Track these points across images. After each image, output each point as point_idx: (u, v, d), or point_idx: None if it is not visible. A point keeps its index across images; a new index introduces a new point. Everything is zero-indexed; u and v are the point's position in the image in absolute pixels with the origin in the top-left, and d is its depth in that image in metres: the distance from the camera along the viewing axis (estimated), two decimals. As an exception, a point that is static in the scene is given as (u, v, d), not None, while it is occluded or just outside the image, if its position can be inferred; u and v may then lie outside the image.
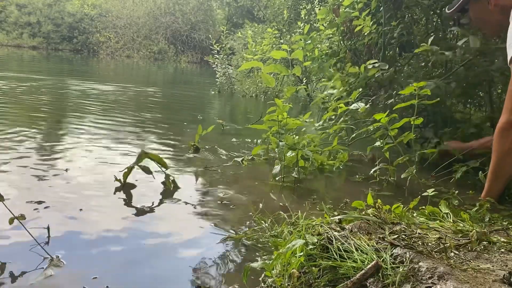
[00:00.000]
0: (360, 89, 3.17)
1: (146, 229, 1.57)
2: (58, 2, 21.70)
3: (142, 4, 22.41)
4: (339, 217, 1.38)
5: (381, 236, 1.17)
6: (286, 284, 1.08)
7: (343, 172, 2.60)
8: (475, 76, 2.75)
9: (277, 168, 2.30)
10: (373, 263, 0.98)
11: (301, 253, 1.11)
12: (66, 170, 2.16)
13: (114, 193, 1.91)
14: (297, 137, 2.42)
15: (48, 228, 1.41)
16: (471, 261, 1.02)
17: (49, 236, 1.39)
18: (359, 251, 1.06)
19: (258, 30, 11.36)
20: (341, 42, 4.18)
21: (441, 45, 2.69)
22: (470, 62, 2.67)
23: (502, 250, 1.15)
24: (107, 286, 1.14)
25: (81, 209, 1.67)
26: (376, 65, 3.01)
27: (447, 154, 2.46)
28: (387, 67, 3.00)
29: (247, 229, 1.60)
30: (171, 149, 2.89)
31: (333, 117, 3.24)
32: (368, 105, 3.06)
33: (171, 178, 2.07)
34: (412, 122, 2.26)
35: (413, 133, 2.29)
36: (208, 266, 1.31)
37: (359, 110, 2.75)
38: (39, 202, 1.69)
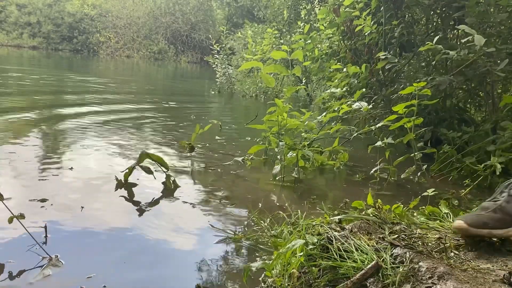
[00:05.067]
0: (363, 90, 3.16)
1: (146, 228, 1.57)
2: (58, 2, 21.71)
3: (142, 4, 22.42)
4: (339, 217, 1.38)
5: (381, 236, 1.17)
6: (286, 284, 1.08)
7: (343, 172, 2.60)
8: (477, 76, 2.74)
9: (277, 168, 2.30)
10: (373, 263, 0.98)
11: (301, 253, 1.11)
12: (71, 168, 2.17)
13: (115, 193, 1.91)
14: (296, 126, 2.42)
15: (45, 228, 1.40)
16: (471, 261, 1.02)
17: (46, 236, 1.39)
18: (359, 251, 1.06)
19: (258, 30, 11.36)
20: (341, 42, 4.18)
21: (442, 45, 2.69)
22: (474, 61, 2.66)
23: (502, 250, 1.15)
24: (104, 286, 1.14)
25: (82, 207, 1.67)
26: (383, 56, 2.99)
27: None
28: (396, 60, 2.98)
29: (247, 229, 1.59)
30: (172, 149, 2.89)
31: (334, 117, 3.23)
32: (371, 105, 3.06)
33: (172, 178, 2.07)
34: (412, 122, 2.26)
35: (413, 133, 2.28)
36: (207, 266, 1.31)
37: (361, 109, 2.75)
38: (42, 200, 1.68)
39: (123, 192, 1.93)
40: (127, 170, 2.02)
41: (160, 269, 1.27)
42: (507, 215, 1.08)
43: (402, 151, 2.83)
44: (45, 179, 1.97)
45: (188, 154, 2.74)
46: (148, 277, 1.22)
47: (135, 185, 2.03)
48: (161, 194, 1.96)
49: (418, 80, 2.57)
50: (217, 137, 3.40)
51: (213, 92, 7.81)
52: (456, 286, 0.88)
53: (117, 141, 2.96)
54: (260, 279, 1.21)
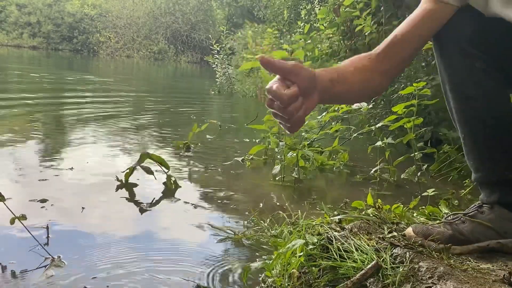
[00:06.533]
0: None
1: (147, 229, 1.57)
2: (58, 2, 21.73)
3: (142, 4, 22.43)
4: (339, 217, 1.38)
5: (381, 236, 1.17)
6: (286, 284, 1.08)
7: (343, 172, 2.60)
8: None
9: (277, 168, 2.30)
10: (373, 263, 0.98)
11: (301, 253, 1.11)
12: (71, 168, 2.17)
13: (116, 193, 1.91)
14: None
15: (47, 228, 1.41)
16: (471, 261, 1.02)
17: (48, 236, 1.39)
18: (359, 251, 1.06)
19: (258, 30, 11.36)
20: (342, 42, 4.18)
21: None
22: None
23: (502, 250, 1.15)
24: (107, 286, 1.14)
25: (83, 207, 1.67)
26: None
27: None
28: None
29: (247, 229, 1.60)
30: (172, 149, 2.89)
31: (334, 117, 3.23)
32: (371, 105, 3.06)
33: (172, 178, 2.07)
34: (412, 122, 2.26)
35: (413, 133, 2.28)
36: (208, 265, 1.31)
37: (362, 109, 2.75)
38: (43, 201, 1.69)
39: (124, 192, 1.94)
40: (127, 170, 2.03)
41: (161, 268, 1.27)
42: (460, 234, 1.08)
43: (402, 151, 2.83)
44: (46, 179, 1.98)
45: (187, 154, 2.75)
46: (149, 277, 1.22)
47: (135, 185, 2.04)
48: (161, 194, 1.97)
49: (418, 80, 2.57)
50: (216, 137, 3.40)
51: (213, 92, 7.81)
52: (456, 286, 0.88)
53: (118, 140, 2.97)
54: (260, 279, 1.21)
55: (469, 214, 1.10)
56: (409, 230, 1.12)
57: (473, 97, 1.04)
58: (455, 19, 1.03)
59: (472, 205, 1.13)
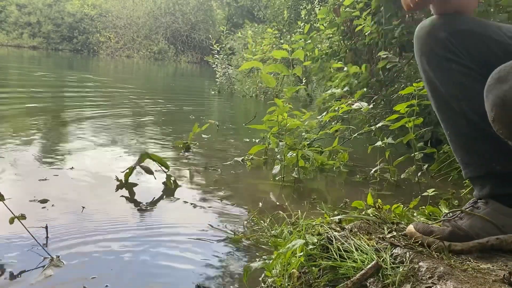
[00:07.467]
0: (364, 89, 3.17)
1: (147, 228, 1.57)
2: (58, 2, 21.73)
3: (142, 4, 22.44)
4: (339, 217, 1.38)
5: (381, 236, 1.17)
6: (286, 284, 1.08)
7: (343, 172, 2.60)
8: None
9: (277, 168, 2.30)
10: (373, 263, 0.98)
11: (301, 253, 1.11)
12: (71, 168, 2.17)
13: (116, 193, 1.91)
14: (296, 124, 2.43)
15: (46, 228, 1.40)
16: (471, 261, 1.02)
17: (47, 237, 1.39)
18: (359, 251, 1.06)
19: (258, 30, 11.36)
20: (342, 42, 4.18)
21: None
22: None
23: (502, 249, 1.15)
24: (106, 286, 1.14)
25: (83, 207, 1.67)
26: (384, 56, 2.99)
27: None
28: (397, 59, 2.99)
29: (247, 229, 1.60)
30: (171, 149, 2.89)
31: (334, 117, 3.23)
32: (371, 105, 3.06)
33: (172, 178, 2.07)
34: (412, 122, 2.26)
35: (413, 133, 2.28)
36: (207, 266, 1.31)
37: (362, 109, 2.75)
38: (43, 201, 1.68)
39: (124, 192, 1.94)
40: (127, 170, 2.03)
41: (161, 269, 1.27)
42: (459, 229, 1.09)
43: (402, 151, 2.83)
44: (46, 179, 1.97)
45: (187, 154, 2.75)
46: (149, 277, 1.22)
47: (135, 185, 2.03)
48: (161, 194, 1.96)
49: (418, 80, 2.57)
50: (216, 137, 3.40)
51: (213, 92, 7.81)
52: (456, 286, 0.88)
53: (118, 140, 2.97)
54: (260, 279, 1.21)
55: (466, 210, 1.11)
56: (410, 228, 1.14)
57: (454, 95, 1.11)
58: (430, 26, 1.15)
59: (468, 202, 1.15)
